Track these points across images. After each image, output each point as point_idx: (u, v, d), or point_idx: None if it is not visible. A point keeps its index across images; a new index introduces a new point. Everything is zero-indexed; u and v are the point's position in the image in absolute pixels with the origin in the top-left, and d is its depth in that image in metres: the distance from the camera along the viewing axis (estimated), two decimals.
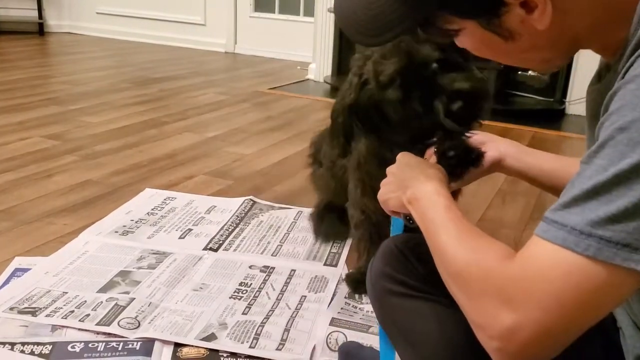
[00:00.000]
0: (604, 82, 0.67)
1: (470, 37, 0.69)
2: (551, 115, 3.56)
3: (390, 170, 0.90)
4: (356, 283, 1.45)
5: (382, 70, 1.10)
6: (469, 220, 0.70)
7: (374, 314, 0.96)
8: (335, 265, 1.61)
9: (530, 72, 3.80)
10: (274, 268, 1.58)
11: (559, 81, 3.66)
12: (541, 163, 1.01)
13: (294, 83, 4.25)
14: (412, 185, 0.81)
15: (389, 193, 0.88)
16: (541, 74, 0.77)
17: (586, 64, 3.54)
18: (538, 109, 3.65)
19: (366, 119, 1.17)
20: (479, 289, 0.61)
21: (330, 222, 1.74)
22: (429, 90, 1.04)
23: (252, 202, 1.99)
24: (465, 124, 1.02)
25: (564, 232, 0.55)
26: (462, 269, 0.64)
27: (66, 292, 1.40)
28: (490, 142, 1.04)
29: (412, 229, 0.89)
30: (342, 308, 1.39)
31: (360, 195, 1.44)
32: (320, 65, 4.28)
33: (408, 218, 0.87)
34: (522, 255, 0.59)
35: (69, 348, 1.20)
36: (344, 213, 1.55)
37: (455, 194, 1.26)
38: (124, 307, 1.34)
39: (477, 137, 1.03)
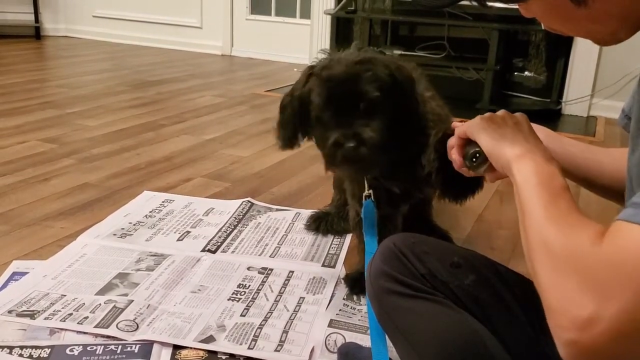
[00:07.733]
0: None
1: (541, 2, 0.67)
2: (548, 116, 3.56)
3: (491, 116, 0.85)
4: (354, 283, 1.46)
5: (327, 70, 1.16)
6: (570, 197, 0.66)
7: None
8: (334, 267, 1.61)
9: (526, 72, 3.81)
10: (272, 270, 1.58)
11: (555, 82, 3.67)
12: (572, 158, 0.97)
13: (290, 85, 4.24)
14: (508, 152, 0.76)
15: (481, 131, 0.83)
16: (602, 45, 0.75)
17: (582, 65, 3.56)
18: (534, 109, 3.65)
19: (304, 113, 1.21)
20: (564, 263, 0.56)
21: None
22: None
23: (250, 204, 1.99)
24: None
25: None
26: (548, 236, 0.60)
27: (64, 295, 1.40)
28: None
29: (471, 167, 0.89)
30: (340, 309, 1.39)
31: (351, 198, 1.45)
32: None
33: (473, 157, 0.87)
34: (612, 240, 0.54)
35: (68, 351, 1.20)
36: None
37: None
38: (123, 310, 1.34)
39: None
